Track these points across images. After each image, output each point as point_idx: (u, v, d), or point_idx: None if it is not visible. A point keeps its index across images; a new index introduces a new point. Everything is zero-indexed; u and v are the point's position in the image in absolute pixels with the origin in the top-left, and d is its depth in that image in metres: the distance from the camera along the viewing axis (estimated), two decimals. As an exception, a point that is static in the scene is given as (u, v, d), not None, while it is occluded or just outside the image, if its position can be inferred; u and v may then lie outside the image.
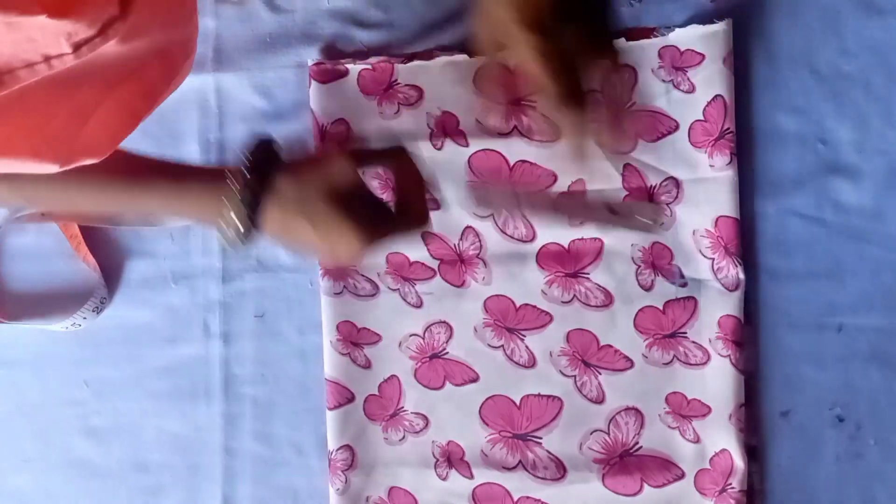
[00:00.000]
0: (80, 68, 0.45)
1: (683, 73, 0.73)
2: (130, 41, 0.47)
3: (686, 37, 0.73)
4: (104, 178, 0.62)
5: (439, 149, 0.76)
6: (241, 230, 0.61)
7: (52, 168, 0.50)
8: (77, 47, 0.43)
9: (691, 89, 0.73)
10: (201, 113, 0.79)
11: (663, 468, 0.75)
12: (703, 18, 0.73)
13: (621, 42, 0.70)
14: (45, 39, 0.42)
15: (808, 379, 0.74)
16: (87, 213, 0.79)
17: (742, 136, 0.73)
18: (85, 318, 0.79)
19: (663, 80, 0.74)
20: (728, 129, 0.72)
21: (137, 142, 0.60)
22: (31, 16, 0.40)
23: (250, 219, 0.61)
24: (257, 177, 0.61)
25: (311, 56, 0.78)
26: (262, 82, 0.79)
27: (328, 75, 0.77)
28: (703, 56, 0.73)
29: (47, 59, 0.43)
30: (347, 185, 0.64)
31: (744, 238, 0.73)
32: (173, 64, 0.55)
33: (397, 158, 0.66)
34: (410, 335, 0.77)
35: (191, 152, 0.80)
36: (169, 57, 0.54)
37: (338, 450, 0.77)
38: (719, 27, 0.72)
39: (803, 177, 0.74)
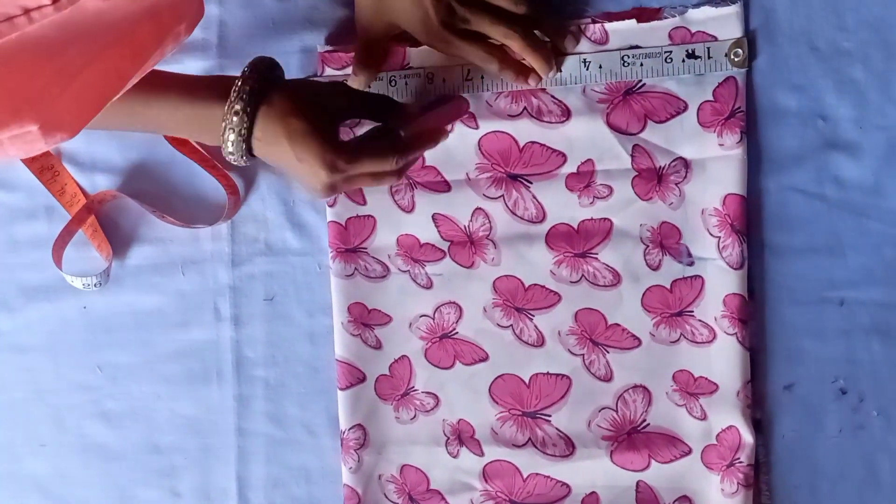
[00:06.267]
0: (64, 28, 0.45)
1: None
2: None
3: (697, 18, 0.73)
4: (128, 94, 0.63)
5: (449, 131, 0.76)
6: (238, 140, 0.65)
7: (32, 128, 0.49)
8: None
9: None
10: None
11: (670, 444, 0.76)
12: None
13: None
14: None
15: (810, 353, 0.75)
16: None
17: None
18: (85, 285, 0.79)
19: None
20: (739, 108, 0.73)
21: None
22: None
23: (247, 129, 0.64)
24: (254, 87, 0.64)
25: (315, 41, 0.78)
26: (267, 67, 0.79)
27: (341, 61, 0.77)
28: (714, 38, 0.73)
29: (26, 11, 0.43)
30: (332, 107, 0.67)
31: (748, 215, 0.74)
32: (164, 25, 0.55)
33: (389, 112, 0.70)
34: (420, 316, 0.78)
35: (198, 138, 0.80)
36: (159, 17, 0.54)
37: (350, 429, 0.78)
38: (732, 9, 0.73)
39: (804, 153, 0.74)
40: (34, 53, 0.46)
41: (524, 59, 0.73)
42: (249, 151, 0.67)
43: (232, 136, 0.65)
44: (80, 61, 0.49)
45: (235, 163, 0.68)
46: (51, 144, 0.52)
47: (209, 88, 0.67)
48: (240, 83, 0.65)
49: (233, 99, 0.64)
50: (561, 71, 0.74)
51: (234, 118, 0.64)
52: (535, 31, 0.72)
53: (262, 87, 0.65)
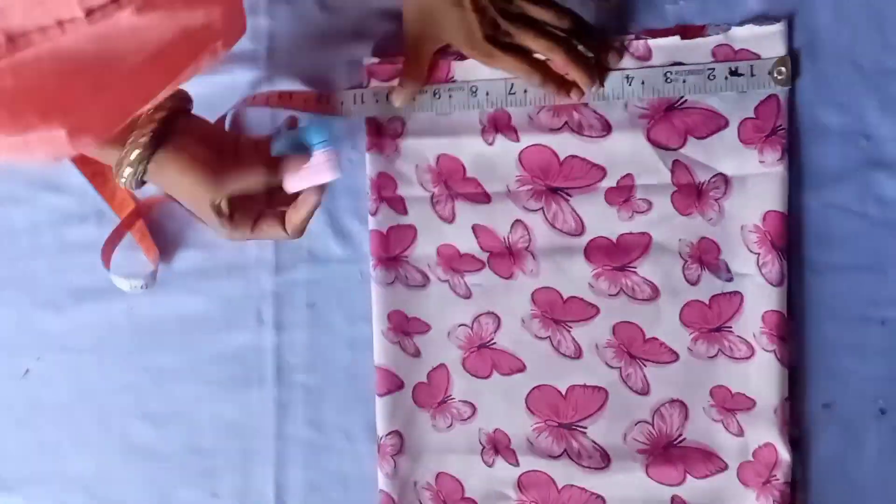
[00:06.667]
0: (97, 41, 0.46)
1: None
2: (148, 13, 0.47)
3: (741, 36, 0.74)
4: None
5: (490, 144, 0.77)
6: (134, 168, 0.65)
7: (60, 132, 0.50)
8: (90, 12, 0.44)
9: (744, 87, 0.74)
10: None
11: (706, 460, 0.76)
12: (753, 17, 0.74)
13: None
14: (57, 3, 0.43)
15: (850, 371, 0.75)
16: None
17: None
18: (131, 287, 0.81)
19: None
20: (780, 125, 0.73)
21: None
22: None
23: (146, 158, 0.65)
24: (163, 123, 0.65)
25: (363, 53, 0.79)
26: (314, 78, 0.80)
27: (387, 74, 0.78)
28: (758, 56, 0.73)
29: (60, 23, 0.44)
30: (234, 142, 0.70)
31: (788, 232, 0.74)
32: (200, 42, 0.56)
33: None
34: (459, 325, 0.79)
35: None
36: (195, 34, 0.54)
37: (387, 435, 0.79)
38: (776, 28, 0.73)
39: (846, 171, 0.74)
40: (66, 64, 0.46)
41: (567, 74, 0.74)
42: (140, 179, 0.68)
43: (128, 171, 0.66)
44: (113, 75, 0.50)
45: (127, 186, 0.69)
46: (77, 149, 0.53)
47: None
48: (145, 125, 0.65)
49: (135, 134, 0.65)
50: (603, 86, 0.75)
51: (131, 154, 0.65)
52: (579, 46, 0.73)
53: (169, 118, 0.66)
